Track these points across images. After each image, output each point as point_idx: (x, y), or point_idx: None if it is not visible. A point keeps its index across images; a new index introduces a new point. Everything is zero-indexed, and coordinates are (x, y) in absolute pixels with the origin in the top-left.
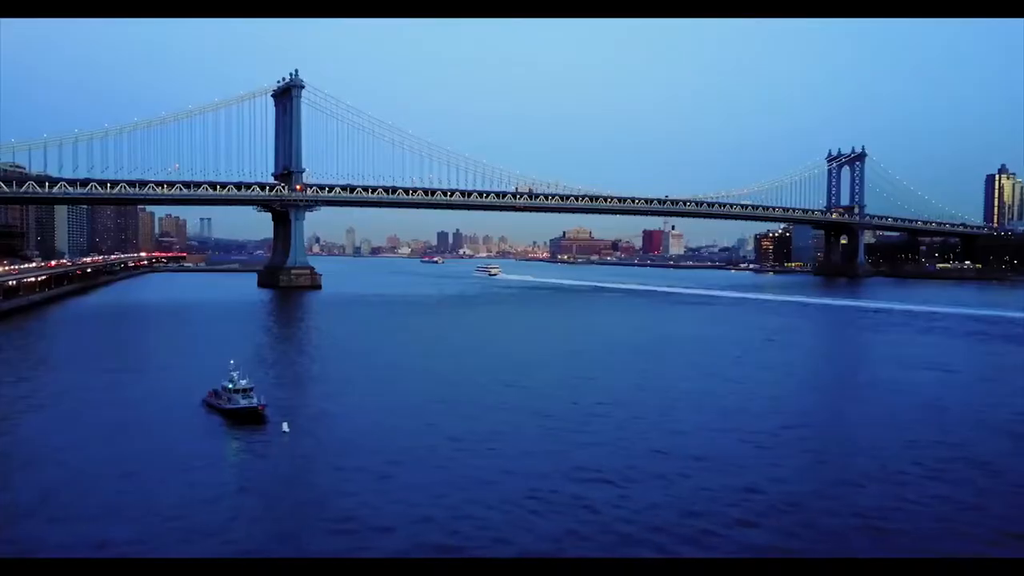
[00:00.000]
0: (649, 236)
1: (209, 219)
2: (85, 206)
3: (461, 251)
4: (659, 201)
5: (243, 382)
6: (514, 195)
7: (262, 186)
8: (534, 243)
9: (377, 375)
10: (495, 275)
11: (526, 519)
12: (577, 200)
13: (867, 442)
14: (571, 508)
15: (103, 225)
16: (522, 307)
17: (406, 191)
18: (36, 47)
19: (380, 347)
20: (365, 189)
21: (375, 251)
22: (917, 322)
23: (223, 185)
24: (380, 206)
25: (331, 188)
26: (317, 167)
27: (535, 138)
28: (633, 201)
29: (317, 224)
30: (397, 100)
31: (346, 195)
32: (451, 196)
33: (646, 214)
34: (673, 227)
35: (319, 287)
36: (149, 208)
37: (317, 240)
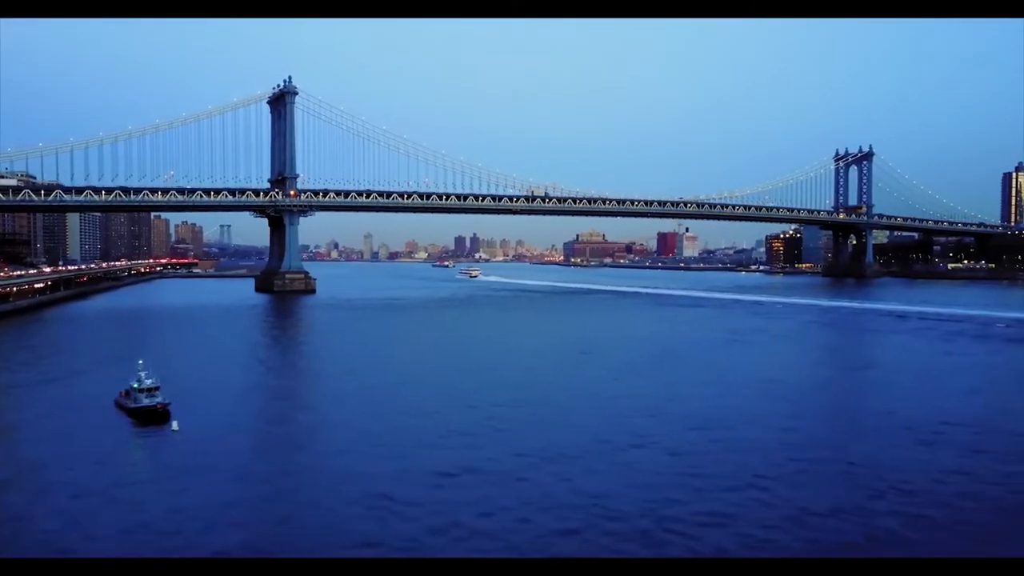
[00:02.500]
0: (664, 238)
1: (229, 226)
2: (97, 213)
3: (477, 255)
4: (659, 203)
5: (148, 382)
6: (511, 199)
7: (256, 192)
8: (552, 246)
9: (318, 380)
10: (475, 277)
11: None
12: (575, 203)
13: (730, 440)
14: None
15: (116, 232)
16: (487, 310)
17: (401, 195)
18: (23, 53)
19: (339, 350)
20: (359, 194)
21: (392, 256)
22: (898, 322)
23: (217, 191)
24: (375, 211)
25: (325, 193)
26: (315, 173)
27: (538, 144)
28: (632, 203)
29: (335, 230)
30: (400, 108)
31: (340, 200)
32: (446, 200)
33: (643, 215)
34: (687, 229)
35: (313, 291)
36: (164, 215)
37: (336, 246)
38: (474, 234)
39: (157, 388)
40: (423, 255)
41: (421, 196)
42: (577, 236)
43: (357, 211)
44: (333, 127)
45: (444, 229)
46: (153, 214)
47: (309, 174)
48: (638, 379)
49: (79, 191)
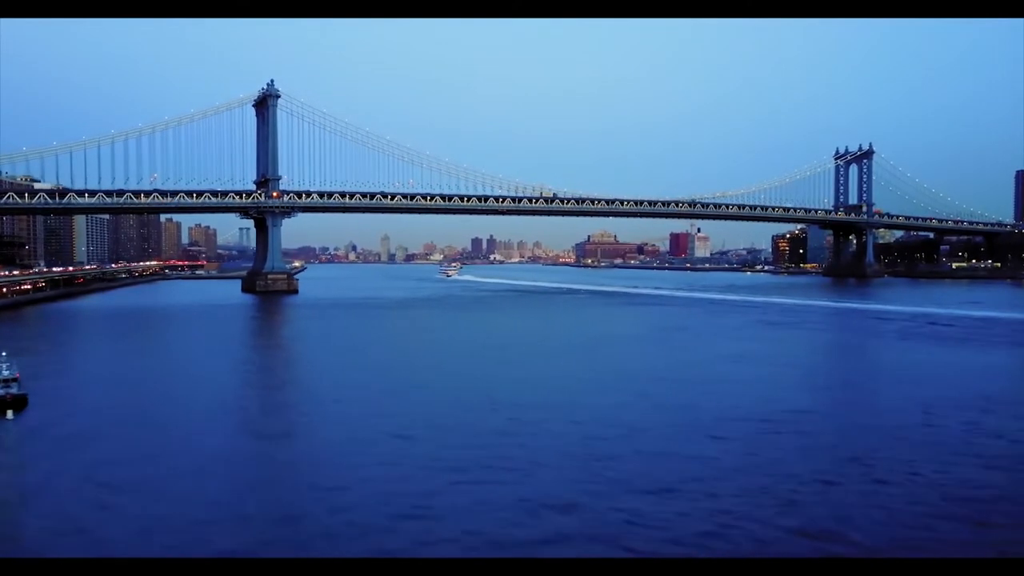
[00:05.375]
0: (676, 239)
1: (247, 228)
2: (105, 216)
3: (493, 256)
4: (648, 203)
5: (6, 373)
6: (498, 199)
7: (238, 193)
8: (572, 247)
9: (225, 369)
10: (451, 276)
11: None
12: (563, 203)
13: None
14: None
15: (126, 235)
16: (448, 311)
17: (385, 196)
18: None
19: (275, 344)
20: (342, 195)
21: (409, 258)
22: (854, 320)
23: (200, 193)
24: (356, 211)
25: (308, 194)
26: (300, 175)
27: (532, 145)
28: (622, 203)
29: (354, 232)
30: (392, 107)
31: (322, 201)
32: (431, 200)
33: (633, 215)
34: (699, 230)
35: (295, 292)
36: (176, 218)
37: (354, 248)
38: (491, 235)
39: (15, 379)
40: (439, 257)
41: (405, 196)
42: (588, 237)
43: (339, 212)
44: (317, 129)
45: (461, 231)
46: (164, 216)
47: (294, 176)
48: (511, 368)
49: (62, 194)
